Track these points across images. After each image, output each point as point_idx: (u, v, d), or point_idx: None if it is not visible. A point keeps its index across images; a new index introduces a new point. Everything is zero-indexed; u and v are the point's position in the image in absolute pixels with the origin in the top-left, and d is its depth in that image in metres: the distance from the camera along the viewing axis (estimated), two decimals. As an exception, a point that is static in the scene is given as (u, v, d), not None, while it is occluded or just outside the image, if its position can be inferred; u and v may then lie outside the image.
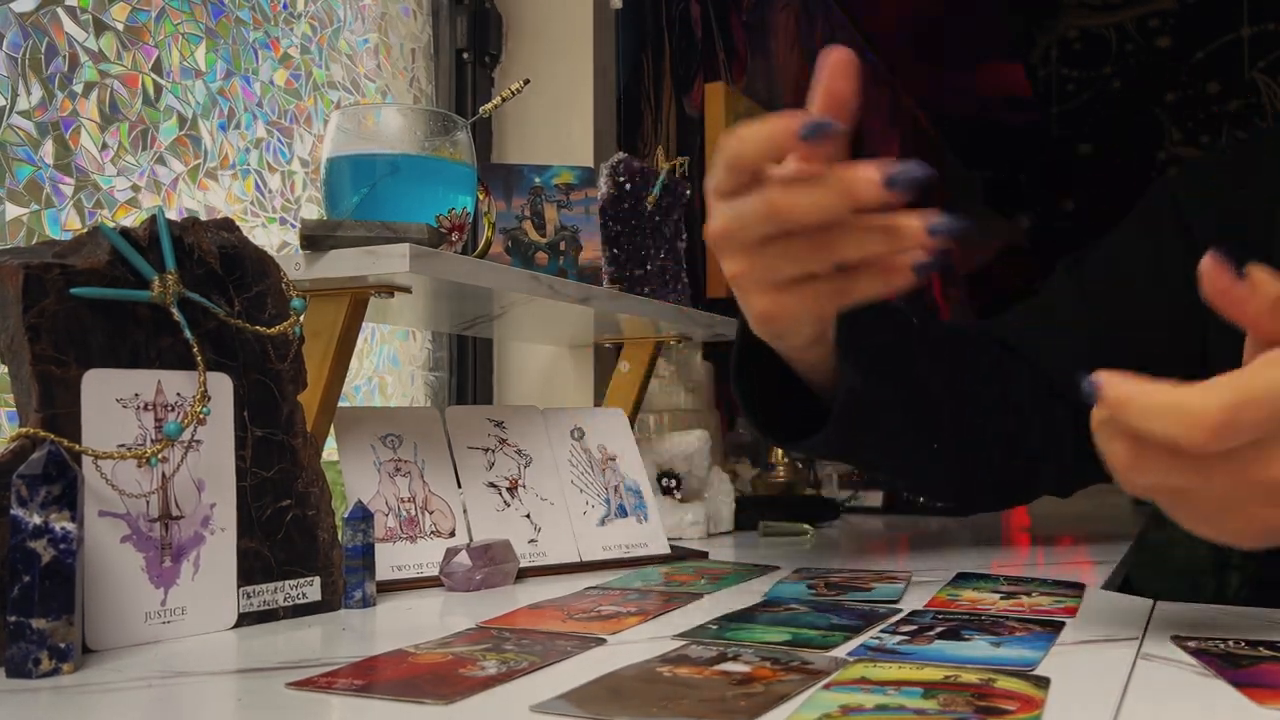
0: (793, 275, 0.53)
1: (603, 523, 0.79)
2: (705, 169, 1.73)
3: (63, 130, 0.84)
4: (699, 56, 1.73)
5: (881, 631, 0.52)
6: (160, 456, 0.51)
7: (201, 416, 0.53)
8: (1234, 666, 0.44)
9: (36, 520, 0.43)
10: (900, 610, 0.57)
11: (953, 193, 3.85)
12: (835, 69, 0.49)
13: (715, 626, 0.53)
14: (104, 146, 0.87)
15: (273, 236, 1.06)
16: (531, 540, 0.74)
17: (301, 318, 0.60)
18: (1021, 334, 0.84)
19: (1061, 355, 0.81)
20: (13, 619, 0.43)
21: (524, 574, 0.73)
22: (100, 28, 0.87)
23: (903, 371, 0.72)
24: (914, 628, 0.52)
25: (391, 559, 0.67)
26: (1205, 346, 0.79)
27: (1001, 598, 0.61)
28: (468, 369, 1.33)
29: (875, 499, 1.36)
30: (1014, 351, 0.83)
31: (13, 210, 0.80)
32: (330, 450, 0.72)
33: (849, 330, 0.65)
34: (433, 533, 0.70)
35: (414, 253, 0.63)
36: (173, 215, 0.57)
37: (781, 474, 1.24)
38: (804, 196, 0.49)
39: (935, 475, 0.80)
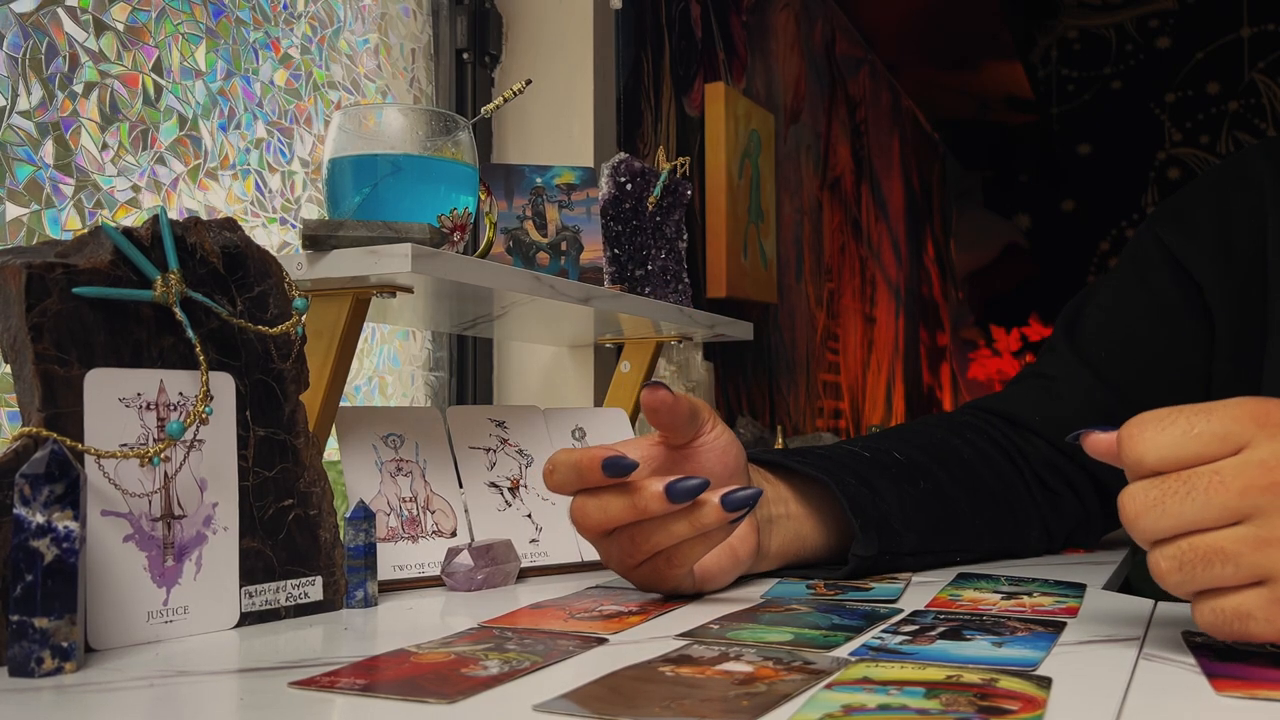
0: (630, 561, 0.59)
1: (604, 522, 0.79)
2: (705, 169, 1.73)
3: (63, 130, 0.84)
4: (699, 56, 1.73)
5: (883, 631, 0.52)
6: (163, 456, 0.51)
7: (204, 416, 0.53)
8: (1223, 660, 0.44)
9: (39, 519, 0.43)
10: (902, 610, 0.57)
11: (953, 193, 3.86)
12: (649, 408, 0.58)
13: (717, 626, 0.53)
14: (104, 146, 0.87)
15: (273, 236, 1.06)
16: (533, 540, 0.74)
17: (304, 317, 0.60)
18: (1029, 409, 0.85)
19: (1070, 428, 0.82)
20: (15, 618, 0.43)
21: (525, 574, 0.73)
22: (100, 28, 0.87)
23: (901, 527, 0.72)
24: (916, 627, 0.52)
25: (393, 558, 0.67)
26: (1210, 385, 0.80)
27: (1003, 598, 0.61)
28: (468, 369, 1.33)
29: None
30: (1022, 426, 0.84)
31: (13, 210, 0.80)
32: (332, 450, 0.72)
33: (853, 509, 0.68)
34: (434, 532, 0.70)
35: (416, 253, 0.63)
36: (173, 215, 0.57)
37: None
38: (594, 509, 0.57)
39: (979, 558, 0.80)
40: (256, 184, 1.04)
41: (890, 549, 0.69)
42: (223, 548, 0.54)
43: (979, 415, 0.86)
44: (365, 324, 0.73)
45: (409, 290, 0.69)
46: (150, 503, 0.51)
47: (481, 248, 0.84)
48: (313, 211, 1.10)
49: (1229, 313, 0.79)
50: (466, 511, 0.73)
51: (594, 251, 1.01)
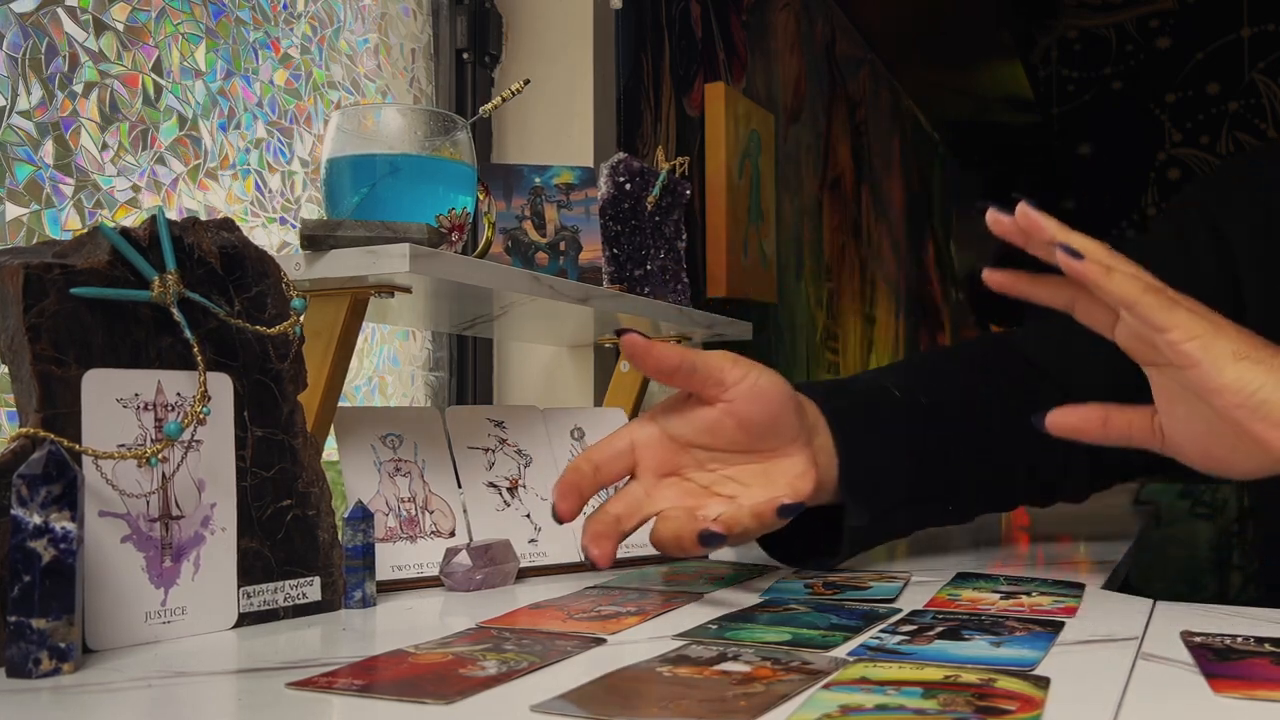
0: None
1: (603, 523, 0.79)
2: (705, 169, 1.73)
3: (63, 130, 0.84)
4: (699, 56, 1.73)
5: (881, 631, 0.52)
6: (160, 456, 0.51)
7: (202, 416, 0.53)
8: (1222, 660, 0.44)
9: (37, 520, 0.43)
10: (900, 610, 0.57)
11: (953, 193, 3.85)
12: (629, 356, 0.62)
13: (715, 626, 0.53)
14: (104, 146, 0.87)
15: (273, 236, 1.06)
16: (532, 540, 0.74)
17: (302, 317, 0.60)
18: (1043, 349, 0.83)
19: (1085, 376, 0.80)
20: (13, 619, 0.43)
21: (524, 574, 0.73)
22: (100, 28, 0.87)
23: (912, 488, 0.73)
24: (914, 627, 0.52)
25: (392, 559, 0.67)
26: None
27: (1001, 597, 0.61)
28: (468, 369, 1.33)
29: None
30: (1036, 366, 0.83)
31: (13, 210, 0.80)
32: (330, 450, 0.72)
33: (849, 481, 0.69)
34: (433, 533, 0.70)
35: (414, 253, 0.63)
36: (173, 215, 0.57)
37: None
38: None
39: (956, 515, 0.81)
40: (256, 184, 1.04)
41: (881, 519, 0.71)
42: (221, 548, 0.54)
43: (1010, 360, 0.84)
44: (365, 324, 0.73)
45: (407, 290, 0.69)
46: (148, 503, 0.51)
47: (480, 248, 0.84)
48: (312, 211, 1.10)
49: (1263, 275, 0.79)
50: (465, 511, 0.73)
51: (593, 251, 1.01)
